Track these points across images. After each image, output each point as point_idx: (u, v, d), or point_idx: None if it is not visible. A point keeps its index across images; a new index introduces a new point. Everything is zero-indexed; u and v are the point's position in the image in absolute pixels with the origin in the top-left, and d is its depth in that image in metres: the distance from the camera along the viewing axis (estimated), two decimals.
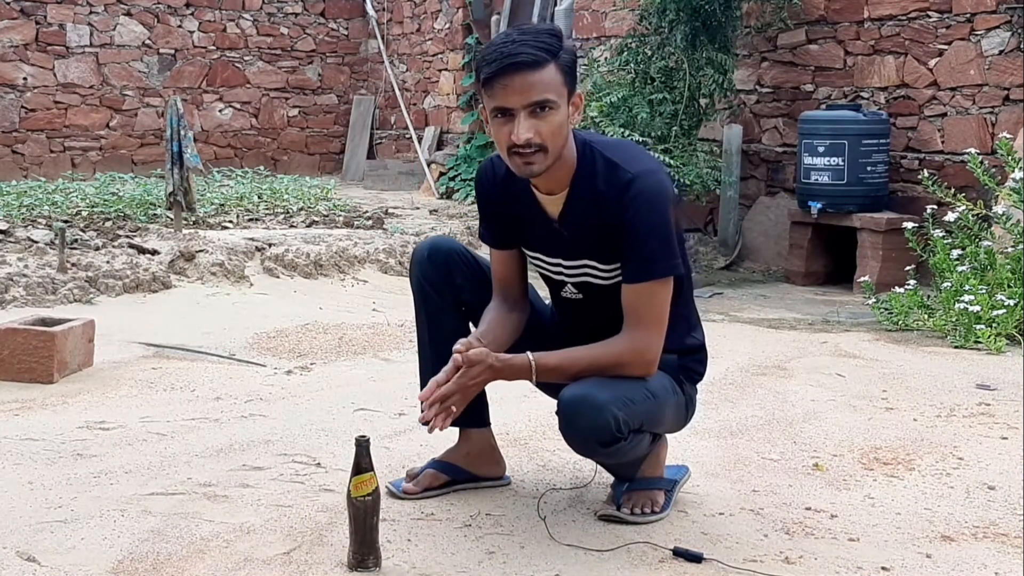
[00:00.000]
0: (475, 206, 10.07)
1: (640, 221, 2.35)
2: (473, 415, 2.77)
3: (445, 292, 2.67)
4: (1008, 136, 5.56)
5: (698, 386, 2.68)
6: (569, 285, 2.56)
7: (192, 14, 11.76)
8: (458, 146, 10.81)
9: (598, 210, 2.41)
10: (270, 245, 6.38)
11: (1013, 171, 5.25)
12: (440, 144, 11.39)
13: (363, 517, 2.27)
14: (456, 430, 2.81)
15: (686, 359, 2.58)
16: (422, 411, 2.35)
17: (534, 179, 2.44)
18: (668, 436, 2.72)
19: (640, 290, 2.39)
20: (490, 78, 2.32)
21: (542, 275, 2.65)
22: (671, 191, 2.42)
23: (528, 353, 2.39)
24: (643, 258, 2.37)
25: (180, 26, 11.72)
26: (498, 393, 2.88)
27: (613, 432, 2.31)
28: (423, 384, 2.67)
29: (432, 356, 2.67)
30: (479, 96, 2.42)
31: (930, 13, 6.63)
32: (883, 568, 2.34)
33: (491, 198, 2.60)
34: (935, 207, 5.66)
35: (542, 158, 2.34)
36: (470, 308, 2.67)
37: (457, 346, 2.37)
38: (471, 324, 2.69)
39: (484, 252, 2.77)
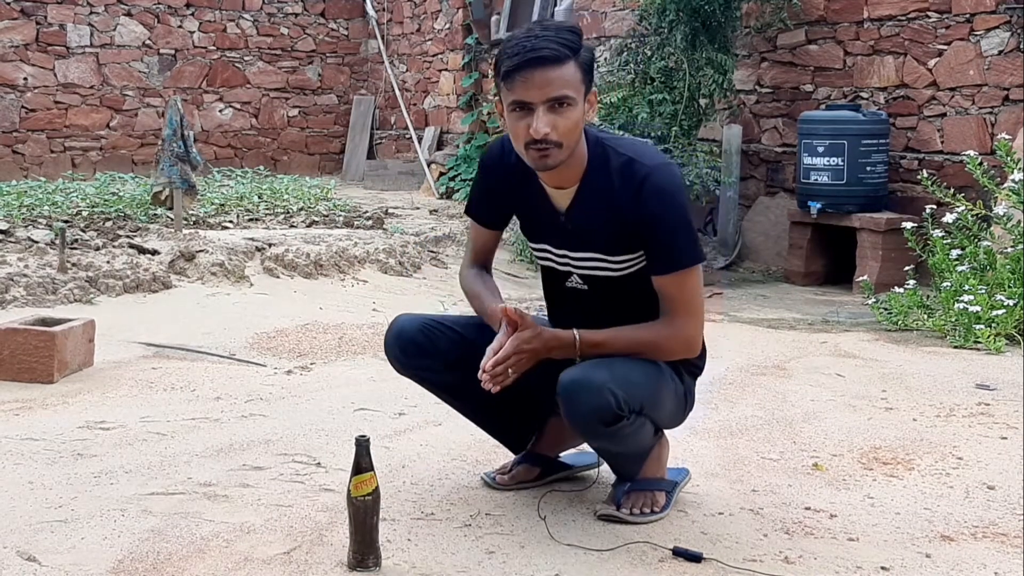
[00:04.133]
0: None
1: (662, 215, 2.40)
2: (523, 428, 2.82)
3: (433, 364, 2.63)
4: (1007, 137, 5.56)
5: (698, 386, 2.69)
6: (575, 275, 2.59)
7: (192, 14, 11.76)
8: (458, 146, 10.81)
9: (610, 204, 2.44)
10: (270, 245, 6.38)
11: (1012, 172, 5.25)
12: (440, 144, 11.39)
13: (363, 517, 2.28)
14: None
15: None
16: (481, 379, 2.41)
17: (546, 173, 2.46)
18: (668, 437, 2.73)
19: (671, 281, 2.44)
20: (511, 71, 2.34)
21: (546, 267, 2.66)
22: (682, 181, 2.49)
23: (573, 329, 2.44)
24: (670, 250, 2.42)
25: (180, 26, 11.72)
26: None
27: (614, 410, 2.34)
28: (492, 433, 2.82)
29: (469, 404, 2.71)
30: (496, 89, 2.44)
31: (930, 13, 6.63)
32: (883, 568, 2.34)
33: (499, 179, 2.61)
34: (934, 207, 5.66)
35: (557, 152, 2.37)
36: (459, 361, 2.60)
37: (502, 305, 2.45)
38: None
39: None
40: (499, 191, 2.62)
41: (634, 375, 2.40)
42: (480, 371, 2.39)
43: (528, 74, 2.31)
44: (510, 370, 2.39)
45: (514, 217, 2.68)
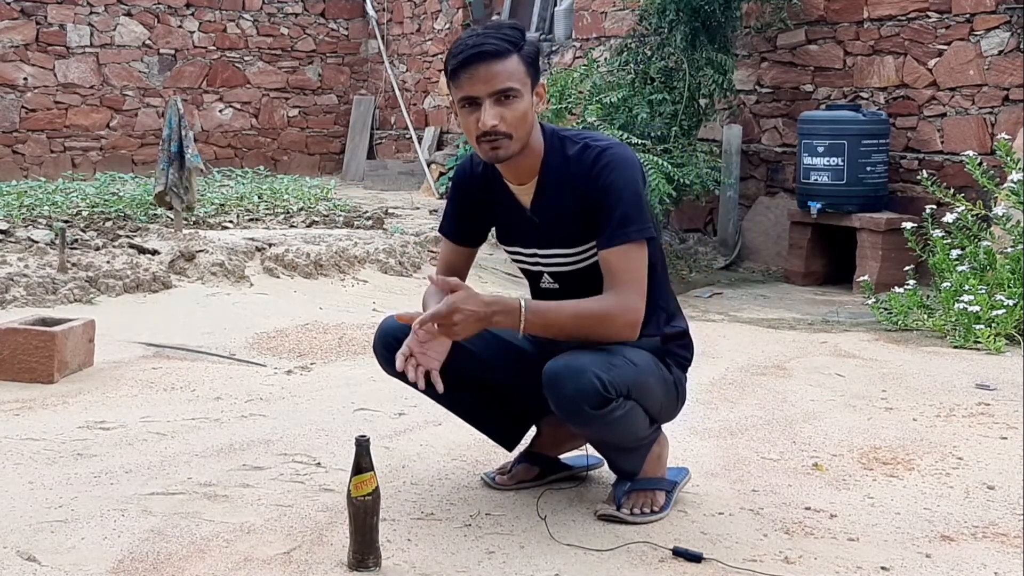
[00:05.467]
0: None
1: (612, 186, 2.45)
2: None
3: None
4: (1007, 137, 5.56)
5: (698, 386, 2.69)
6: (546, 274, 2.63)
7: (192, 14, 11.76)
8: (458, 146, 10.81)
9: (571, 191, 2.50)
10: (270, 245, 6.38)
11: (1012, 172, 5.25)
12: (440, 144, 11.40)
13: (363, 517, 2.28)
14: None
15: (669, 344, 2.61)
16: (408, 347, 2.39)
17: (502, 167, 2.53)
18: (668, 436, 2.73)
19: (616, 253, 2.46)
20: (457, 69, 2.43)
21: (523, 270, 2.71)
22: (639, 162, 2.53)
23: (520, 297, 2.47)
24: (617, 222, 2.45)
25: (180, 26, 11.72)
26: None
27: (600, 391, 2.34)
28: (489, 433, 2.83)
29: (457, 401, 2.67)
30: (449, 91, 2.51)
31: (930, 13, 6.63)
32: (883, 568, 2.35)
33: (470, 192, 2.67)
34: (934, 207, 5.67)
35: (508, 144, 2.44)
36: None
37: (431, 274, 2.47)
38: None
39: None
40: (473, 203, 2.67)
41: (615, 359, 2.41)
42: (413, 331, 2.37)
43: (473, 70, 2.40)
44: (455, 328, 2.34)
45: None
